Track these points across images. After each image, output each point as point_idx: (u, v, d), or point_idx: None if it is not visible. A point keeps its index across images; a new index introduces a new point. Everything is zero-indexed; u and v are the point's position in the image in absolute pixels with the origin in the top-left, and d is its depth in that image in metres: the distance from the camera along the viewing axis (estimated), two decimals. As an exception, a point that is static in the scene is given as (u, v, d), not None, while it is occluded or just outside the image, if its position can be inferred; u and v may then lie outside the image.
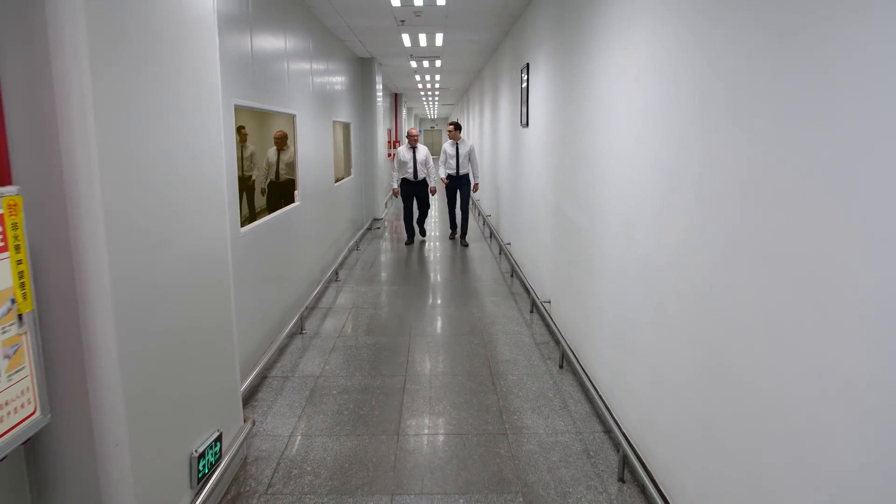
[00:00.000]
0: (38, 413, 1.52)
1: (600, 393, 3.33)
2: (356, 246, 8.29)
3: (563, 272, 4.43)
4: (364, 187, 10.10)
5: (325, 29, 6.92)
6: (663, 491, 2.45)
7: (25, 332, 1.46)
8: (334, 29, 7.20)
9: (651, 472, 2.58)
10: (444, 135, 30.90)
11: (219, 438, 2.51)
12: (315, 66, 6.26)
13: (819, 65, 1.46)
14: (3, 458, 1.44)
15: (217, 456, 2.49)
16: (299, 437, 3.14)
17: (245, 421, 2.93)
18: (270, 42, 4.57)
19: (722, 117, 1.96)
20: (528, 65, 5.91)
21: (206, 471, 2.40)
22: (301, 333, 4.78)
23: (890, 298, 1.23)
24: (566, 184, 4.28)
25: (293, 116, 5.30)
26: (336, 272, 6.56)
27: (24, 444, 1.58)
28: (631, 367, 2.90)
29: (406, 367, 4.08)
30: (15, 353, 1.43)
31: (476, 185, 8.58)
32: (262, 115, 6.84)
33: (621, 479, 2.75)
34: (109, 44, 1.73)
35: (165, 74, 2.11)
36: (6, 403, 1.40)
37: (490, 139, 9.80)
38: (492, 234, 8.89)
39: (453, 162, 8.32)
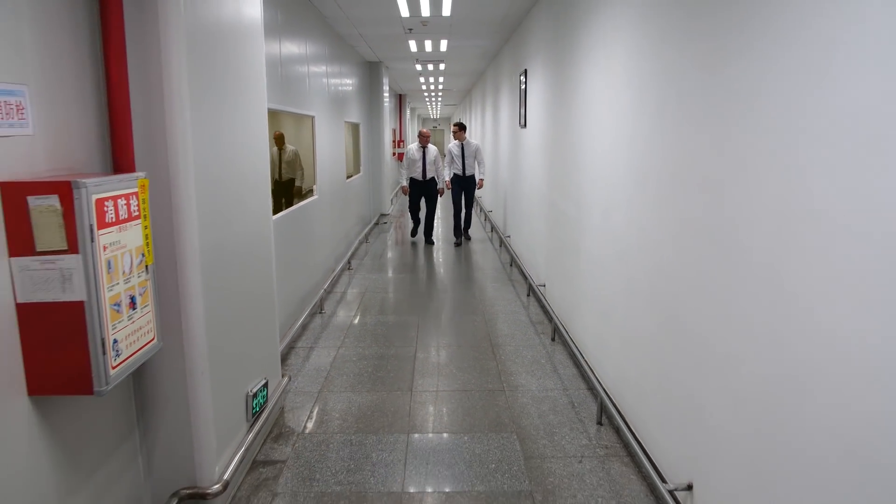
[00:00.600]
0: (156, 340, 2.05)
1: (585, 358, 3.86)
2: (366, 238, 8.83)
3: (555, 257, 4.97)
4: (372, 184, 10.64)
5: (338, 36, 7.46)
6: (633, 429, 2.99)
7: (148, 279, 2.00)
8: (346, 36, 7.74)
9: (624, 415, 3.12)
10: (447, 135, 31.36)
11: (265, 385, 3.05)
12: (330, 70, 6.79)
13: (737, 75, 1.99)
14: (94, 392, 1.97)
15: (265, 399, 3.03)
16: (327, 393, 3.68)
17: (283, 376, 3.47)
18: (294, 50, 5.10)
19: (673, 120, 2.49)
20: (525, 70, 6.44)
21: (258, 409, 2.94)
22: (321, 313, 5.32)
23: (791, 257, 1.77)
24: (558, 179, 4.82)
25: (312, 117, 5.84)
26: (349, 261, 7.10)
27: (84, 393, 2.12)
28: (609, 333, 3.44)
29: (416, 340, 4.62)
30: (143, 293, 1.96)
31: (481, 180, 8.66)
32: (272, 115, 7.39)
33: (599, 423, 3.29)
34: (197, 72, 2.26)
35: (230, 92, 2.65)
36: (139, 329, 1.93)
37: (491, 139, 10.33)
38: (493, 229, 9.42)
39: (460, 163, 8.35)
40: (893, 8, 1.29)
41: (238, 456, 2.63)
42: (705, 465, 2.22)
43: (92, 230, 1.67)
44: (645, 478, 2.75)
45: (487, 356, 4.27)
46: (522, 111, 6.66)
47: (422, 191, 8.52)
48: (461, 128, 8.39)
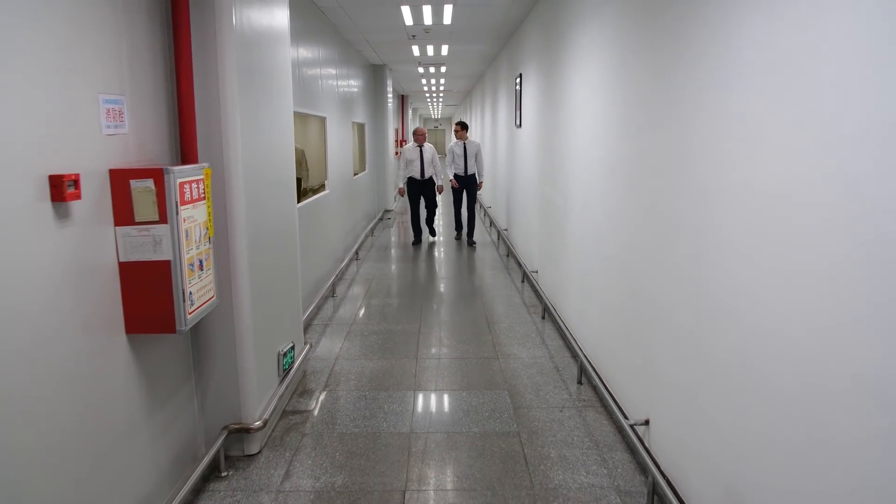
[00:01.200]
0: (215, 298, 2.57)
1: (569, 330, 4.38)
2: (371, 232, 9.35)
3: (546, 245, 5.48)
4: (376, 181, 11.16)
5: (346, 42, 7.98)
6: (606, 384, 3.50)
7: (210, 248, 2.51)
8: (353, 42, 8.26)
9: (600, 374, 3.63)
10: (448, 134, 31.83)
11: (292, 348, 3.56)
12: (338, 74, 7.31)
13: (675, 88, 2.51)
14: (178, 331, 2.49)
15: (292, 360, 3.55)
16: (343, 360, 4.20)
17: (305, 343, 3.99)
18: (309, 56, 5.62)
19: (635, 122, 3.01)
20: (521, 74, 6.96)
21: (287, 367, 3.46)
22: (333, 296, 5.84)
23: (708, 224, 2.29)
24: (548, 174, 5.33)
25: (324, 118, 6.36)
26: (356, 252, 7.62)
27: (167, 332, 2.63)
28: (588, 306, 3.95)
29: (420, 318, 5.14)
30: (207, 259, 2.47)
31: (480, 183, 8.62)
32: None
33: (579, 382, 3.80)
34: (243, 86, 2.78)
35: (266, 100, 3.16)
36: (204, 287, 2.45)
37: (490, 137, 10.84)
38: (491, 223, 9.94)
39: (461, 162, 8.29)
40: (768, 50, 1.80)
41: (273, 403, 3.15)
42: (658, 404, 2.73)
43: (176, 206, 2.19)
44: (614, 421, 3.27)
45: (484, 331, 4.79)
46: (518, 112, 7.18)
47: (421, 190, 8.42)
48: (463, 127, 8.38)
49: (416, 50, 8.99)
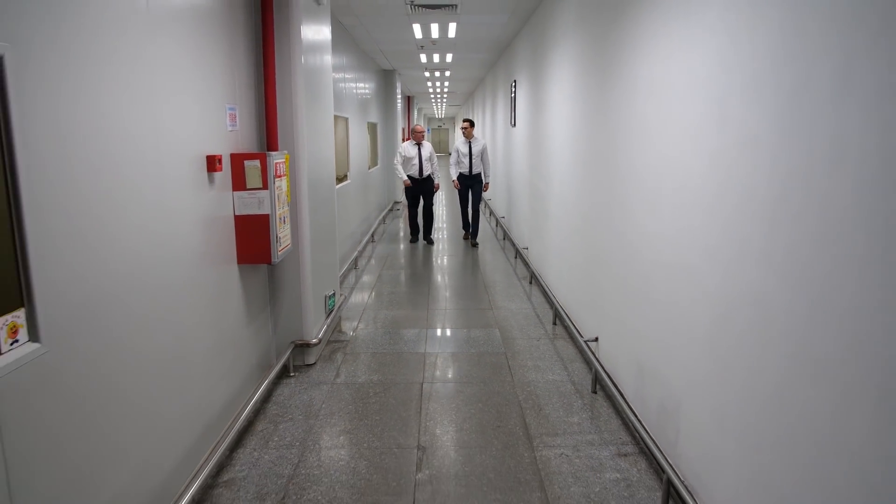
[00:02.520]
0: (290, 245, 3.68)
1: (549, 288, 5.48)
2: (383, 220, 10.46)
3: (533, 224, 6.59)
4: (387, 175, 12.28)
5: (362, 51, 9.09)
6: (575, 325, 4.59)
7: (287, 210, 3.62)
8: (368, 51, 9.37)
9: (570, 318, 4.72)
10: (452, 133, 32.76)
11: (333, 294, 4.67)
12: (357, 78, 8.42)
13: (610, 96, 3.62)
14: (273, 263, 3.60)
15: (333, 303, 4.66)
16: (369, 310, 5.31)
17: (340, 295, 5.10)
18: (335, 62, 6.73)
19: (590, 122, 4.11)
20: (515, 81, 8.06)
21: (330, 307, 4.56)
22: (355, 268, 6.96)
23: (629, 192, 3.39)
24: (534, 165, 6.43)
25: (346, 119, 7.47)
26: (372, 235, 8.74)
27: (265, 263, 3.74)
28: (562, 267, 5.05)
29: (429, 283, 6.25)
30: (287, 218, 3.58)
31: (486, 184, 8.42)
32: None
33: (554, 324, 4.91)
34: (307, 96, 3.89)
35: (319, 104, 4.27)
36: (285, 236, 3.55)
37: (490, 135, 11.95)
38: (491, 213, 11.04)
39: (466, 161, 8.14)
40: (648, 79, 2.89)
41: (322, 331, 4.26)
42: (603, 326, 3.83)
43: (273, 179, 3.30)
44: (576, 344, 4.37)
45: (482, 292, 5.90)
46: (513, 113, 8.28)
47: (419, 189, 8.29)
48: (471, 124, 8.19)
49: (423, 57, 10.09)
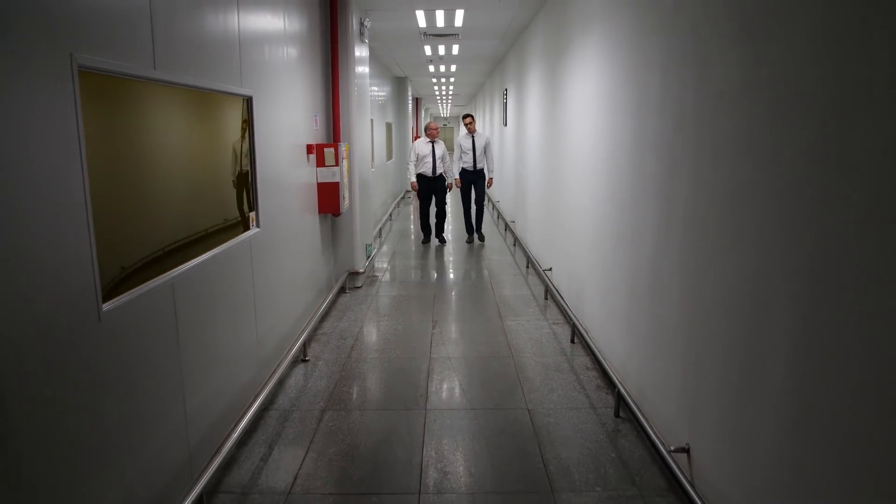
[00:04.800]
0: (349, 204, 5.63)
1: (526, 245, 7.42)
2: (397, 205, 12.43)
3: (519, 201, 8.53)
4: (400, 167, 14.26)
5: (381, 64, 11.05)
6: (539, 262, 6.52)
7: (341, 181, 5.56)
8: (387, 63, 11.33)
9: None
10: (456, 131, 34.67)
11: (370, 245, 6.63)
12: (378, 86, 10.38)
13: (563, 99, 5.58)
14: (339, 215, 5.55)
15: (371, 250, 6.62)
16: (390, 271, 7.27)
17: (373, 247, 7.06)
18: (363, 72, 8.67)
19: (548, 121, 6.06)
20: (506, 89, 10.01)
21: (368, 253, 6.52)
22: (379, 237, 8.93)
23: (565, 170, 5.35)
24: (520, 155, 8.38)
25: (372, 120, 9.43)
26: (390, 215, 10.71)
27: (335, 215, 5.69)
28: (535, 229, 6.99)
29: (434, 248, 8.20)
30: (346, 186, 5.52)
31: (490, 179, 8.42)
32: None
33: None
34: (356, 103, 5.84)
35: (362, 109, 6.23)
36: (346, 197, 5.49)
37: (487, 132, 13.90)
38: (489, 199, 13.00)
39: (469, 156, 8.12)
40: (572, 90, 4.82)
41: (366, 266, 6.22)
42: (555, 264, 5.75)
43: (342, 159, 5.26)
44: (539, 275, 6.31)
45: (477, 252, 7.85)
46: (505, 114, 10.22)
47: (432, 188, 8.22)
48: (472, 119, 8.30)
49: (431, 68, 12.04)
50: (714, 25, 2.31)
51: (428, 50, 9.53)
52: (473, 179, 8.19)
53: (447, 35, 8.09)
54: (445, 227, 8.79)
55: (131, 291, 2.14)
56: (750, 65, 2.03)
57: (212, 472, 2.55)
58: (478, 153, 8.09)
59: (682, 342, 2.62)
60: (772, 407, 1.90)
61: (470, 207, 8.34)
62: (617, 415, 3.32)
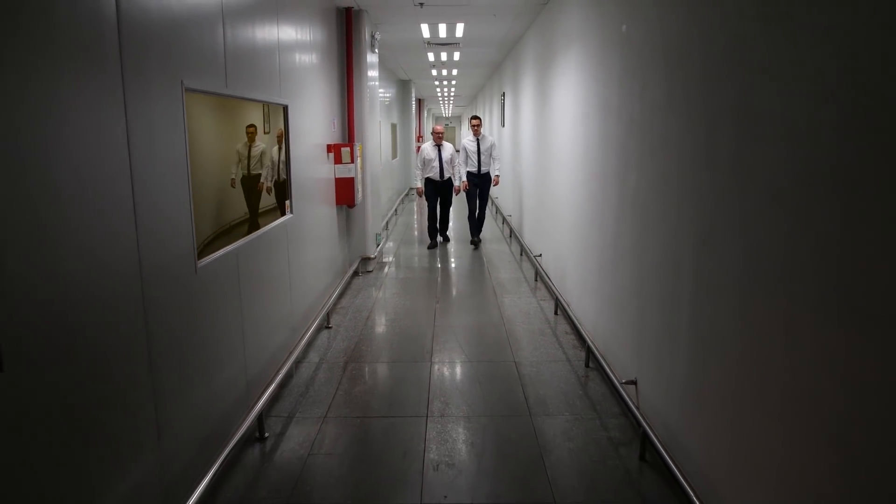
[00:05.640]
0: (361, 198, 6.36)
1: (521, 237, 8.14)
2: (402, 201, 13.17)
3: (515, 197, 9.26)
4: (404, 165, 15.01)
5: (387, 68, 11.78)
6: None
7: (356, 176, 6.29)
8: (392, 67, 12.06)
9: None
10: (459, 131, 35.37)
11: (379, 234, 7.36)
12: (384, 89, 11.11)
13: (548, 104, 6.31)
14: (354, 206, 6.29)
15: (380, 238, 7.35)
16: (397, 259, 8.00)
17: (381, 238, 7.80)
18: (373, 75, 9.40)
19: (538, 125, 6.79)
20: (504, 92, 10.74)
21: (378, 241, 7.26)
22: (386, 229, 9.67)
23: (551, 168, 6.09)
24: (516, 153, 9.11)
25: (379, 121, 10.16)
26: (396, 210, 11.45)
27: (350, 206, 6.43)
28: (528, 220, 7.72)
29: (436, 249, 8.94)
30: (359, 181, 6.25)
31: (496, 178, 8.42)
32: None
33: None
34: (367, 108, 6.57)
35: (373, 112, 6.96)
36: (360, 191, 6.22)
37: (487, 131, 14.64)
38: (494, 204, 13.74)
39: (475, 159, 8.11)
40: (556, 97, 5.55)
41: (376, 252, 6.96)
42: (544, 248, 6.48)
43: (357, 156, 6.00)
44: (531, 261, 7.03)
45: (481, 262, 8.58)
46: (502, 116, 10.95)
47: (439, 192, 8.18)
48: (480, 122, 8.28)
49: (434, 71, 12.77)
50: (651, 52, 3.04)
51: (431, 56, 10.26)
52: (478, 182, 8.18)
53: (449, 44, 8.83)
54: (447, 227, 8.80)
55: (213, 254, 2.89)
56: (671, 85, 2.77)
57: (264, 401, 3.28)
58: (483, 157, 8.08)
59: (632, 299, 3.35)
60: (684, 343, 2.63)
61: (475, 211, 8.27)
62: (587, 365, 4.05)
